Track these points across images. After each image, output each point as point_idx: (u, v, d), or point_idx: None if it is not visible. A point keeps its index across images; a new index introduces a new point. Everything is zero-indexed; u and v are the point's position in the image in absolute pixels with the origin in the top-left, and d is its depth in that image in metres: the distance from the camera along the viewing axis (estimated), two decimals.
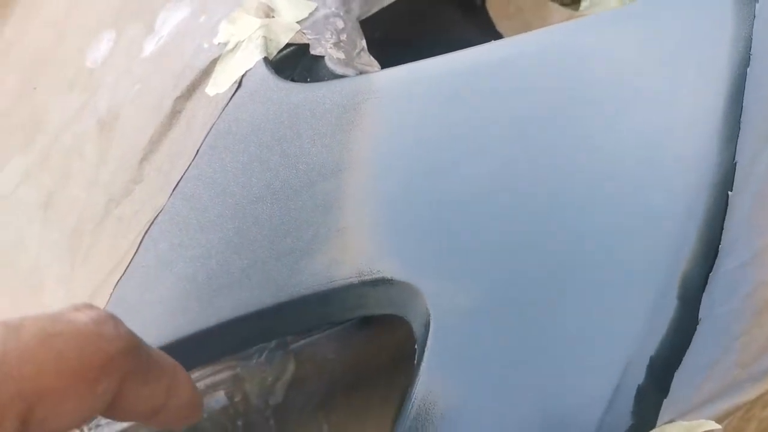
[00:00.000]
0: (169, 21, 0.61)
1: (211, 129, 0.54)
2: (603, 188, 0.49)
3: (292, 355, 0.63)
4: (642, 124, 0.50)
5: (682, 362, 0.45)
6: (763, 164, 0.47)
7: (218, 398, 0.66)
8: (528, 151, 0.51)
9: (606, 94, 0.51)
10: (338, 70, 0.57)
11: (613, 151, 0.50)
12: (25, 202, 0.62)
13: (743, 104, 0.48)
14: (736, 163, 0.47)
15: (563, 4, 0.82)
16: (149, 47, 0.61)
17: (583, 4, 0.81)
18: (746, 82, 0.48)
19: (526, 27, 0.79)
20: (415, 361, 0.53)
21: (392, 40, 0.77)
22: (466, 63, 0.53)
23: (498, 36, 0.81)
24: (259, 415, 0.67)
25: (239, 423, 0.67)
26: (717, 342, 0.47)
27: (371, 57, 0.60)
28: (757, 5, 0.49)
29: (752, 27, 0.49)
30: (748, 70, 0.48)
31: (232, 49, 0.56)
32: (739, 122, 0.48)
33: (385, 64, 0.66)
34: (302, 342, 0.64)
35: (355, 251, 0.52)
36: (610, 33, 0.53)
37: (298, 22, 0.58)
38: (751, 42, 0.48)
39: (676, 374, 0.45)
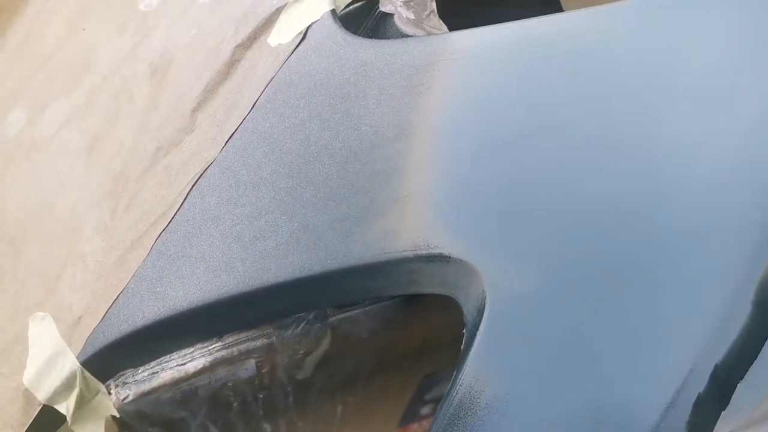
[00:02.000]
0: None
1: (270, 81, 0.51)
2: (684, 180, 0.46)
3: (329, 330, 0.60)
4: (731, 114, 0.46)
5: (747, 373, 0.42)
6: None
7: (248, 366, 0.63)
8: (610, 132, 0.47)
9: (695, 80, 0.47)
10: (407, 29, 0.54)
11: (698, 142, 0.46)
12: (67, 146, 0.59)
13: None
14: None
15: None
16: None
17: None
18: None
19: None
20: (462, 347, 0.50)
21: (460, 14, 0.74)
22: (551, 30, 0.49)
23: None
24: (281, 390, 0.65)
25: (260, 396, 0.64)
26: None
27: (440, 20, 0.57)
28: None
29: None
30: None
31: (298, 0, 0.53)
32: None
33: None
34: (341, 316, 0.61)
35: (413, 223, 0.49)
36: (705, 11, 0.49)
37: None
38: None
39: (739, 385, 0.42)
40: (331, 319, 0.61)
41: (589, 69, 0.48)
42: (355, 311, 0.62)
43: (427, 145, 0.49)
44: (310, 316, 0.60)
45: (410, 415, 0.73)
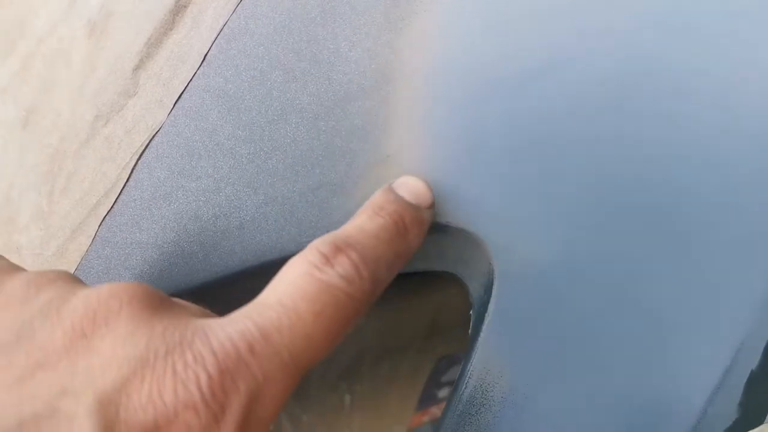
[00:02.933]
0: None
1: (223, 27, 0.43)
2: (723, 147, 0.38)
3: None
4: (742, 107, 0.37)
5: None
6: None
7: None
8: (640, 71, 0.39)
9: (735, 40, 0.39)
10: None
11: (741, 146, 0.38)
12: (1, 121, 0.51)
13: None
14: None
15: None
16: None
17: None
18: None
19: None
20: (470, 332, 0.43)
21: None
22: None
23: None
24: None
25: None
26: None
27: None
28: None
29: None
30: None
31: None
32: None
33: None
34: None
35: None
36: None
37: None
38: None
39: None
40: None
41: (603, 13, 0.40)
42: None
43: (412, 93, 0.40)
44: None
45: (427, 398, 0.67)
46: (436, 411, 0.68)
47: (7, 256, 0.42)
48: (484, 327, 0.40)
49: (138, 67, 0.44)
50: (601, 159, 0.38)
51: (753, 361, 0.37)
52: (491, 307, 0.40)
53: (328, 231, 0.41)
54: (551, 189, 0.39)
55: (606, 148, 0.38)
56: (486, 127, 0.40)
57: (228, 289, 0.43)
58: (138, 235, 0.43)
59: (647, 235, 0.38)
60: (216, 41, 0.43)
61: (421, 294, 0.63)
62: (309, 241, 0.39)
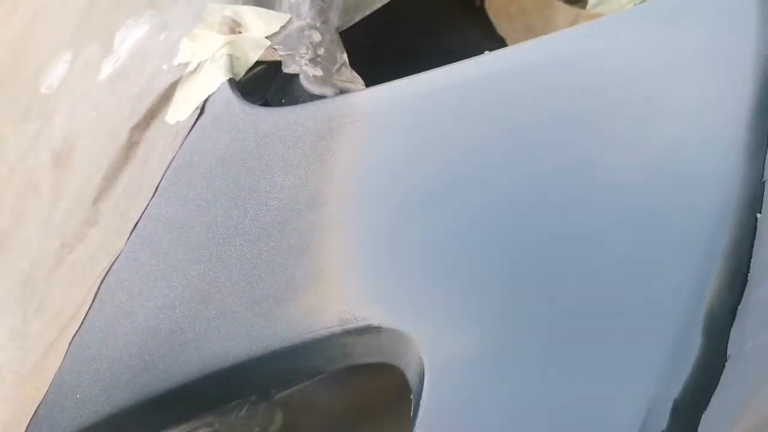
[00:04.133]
0: (128, 40, 0.54)
1: (171, 162, 0.48)
2: (616, 213, 0.43)
3: (278, 407, 0.57)
4: (657, 138, 0.43)
5: (710, 403, 0.39)
6: None
7: None
8: (533, 176, 0.44)
9: (617, 107, 0.44)
10: (315, 89, 0.51)
11: (625, 171, 0.43)
12: None
13: None
14: (765, 181, 0.41)
15: (569, 2, 0.76)
16: (107, 69, 0.55)
17: (591, 2, 0.75)
18: None
19: (529, 29, 0.73)
20: (411, 414, 0.47)
21: (387, 46, 0.71)
22: (457, 79, 0.46)
23: (499, 39, 0.75)
24: None
25: None
26: (750, 378, 0.41)
27: (353, 72, 0.54)
28: None
29: None
30: None
31: (194, 71, 0.50)
32: (766, 134, 0.41)
33: (378, 72, 0.60)
34: (289, 391, 0.58)
35: (337, 296, 0.46)
36: (620, 38, 0.46)
37: (268, 37, 0.51)
38: None
39: (703, 416, 0.39)
40: (278, 396, 0.58)
41: (511, 110, 0.45)
42: (305, 383, 0.59)
43: (341, 214, 0.46)
44: (253, 398, 0.56)
45: None
46: None
47: None
48: (419, 414, 0.44)
49: (97, 199, 0.50)
50: (503, 259, 0.44)
51: (662, 423, 0.41)
52: (423, 396, 0.45)
53: (274, 339, 0.46)
54: (467, 288, 0.44)
55: (507, 249, 0.43)
56: (404, 242, 0.45)
57: (189, 395, 0.48)
58: (104, 351, 0.48)
59: (552, 324, 0.43)
60: (165, 174, 0.48)
61: (378, 372, 0.67)
62: (259, 349, 0.44)
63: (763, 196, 0.41)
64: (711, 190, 0.42)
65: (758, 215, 0.41)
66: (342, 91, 0.52)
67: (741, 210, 0.41)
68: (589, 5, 0.74)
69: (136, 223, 0.48)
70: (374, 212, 0.45)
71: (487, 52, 0.50)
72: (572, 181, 0.44)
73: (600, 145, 0.44)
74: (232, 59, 0.50)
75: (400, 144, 0.45)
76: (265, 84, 0.53)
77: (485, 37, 0.74)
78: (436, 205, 0.45)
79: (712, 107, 0.43)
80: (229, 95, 0.48)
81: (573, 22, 0.71)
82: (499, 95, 0.45)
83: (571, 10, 0.71)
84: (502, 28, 0.73)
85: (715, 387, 0.39)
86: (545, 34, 0.71)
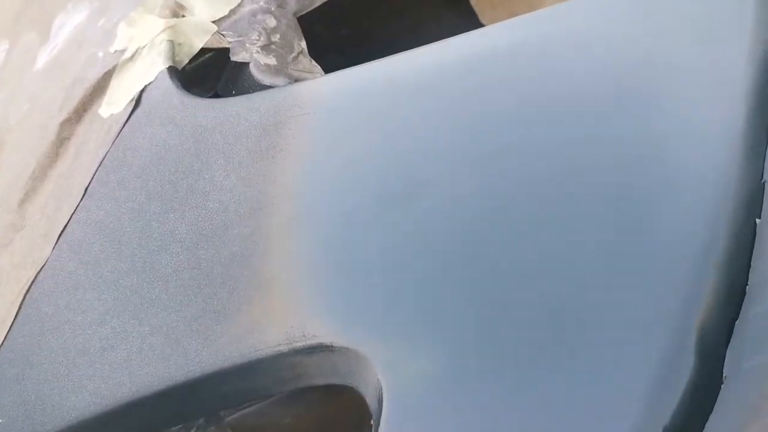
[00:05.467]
0: (67, 26, 0.50)
1: (103, 160, 0.43)
2: (595, 220, 0.38)
3: (229, 430, 0.52)
4: (643, 132, 0.39)
5: (705, 430, 0.35)
6: None
7: None
8: (502, 178, 0.39)
9: (597, 96, 0.40)
10: (266, 79, 0.46)
11: (607, 170, 0.39)
12: None
13: None
14: (765, 182, 0.36)
15: None
16: (42, 57, 0.50)
17: None
18: None
19: (514, 16, 0.68)
20: None
21: (365, 37, 0.66)
22: (420, 66, 0.41)
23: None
24: None
25: None
26: (748, 402, 0.36)
27: (312, 62, 0.49)
28: None
29: None
30: None
31: (131, 58, 0.45)
32: (766, 131, 0.37)
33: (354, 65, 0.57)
34: (239, 414, 0.53)
35: (283, 311, 0.41)
36: (605, 18, 0.41)
37: (215, 22, 0.47)
38: None
39: None
40: (229, 419, 0.53)
41: (478, 98, 0.41)
42: (257, 404, 0.54)
43: (287, 218, 0.41)
44: (200, 421, 0.51)
45: None
46: None
47: None
48: None
49: (24, 200, 0.45)
50: (468, 270, 0.39)
51: None
52: (382, 420, 0.40)
53: (215, 359, 0.42)
54: (431, 304, 0.40)
55: (472, 259, 0.39)
56: (357, 251, 0.40)
57: (122, 420, 0.43)
58: (29, 371, 0.43)
59: (522, 341, 0.38)
60: (96, 173, 0.43)
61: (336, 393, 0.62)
62: (197, 370, 0.39)
63: (762, 199, 0.36)
64: (703, 192, 0.37)
65: (757, 221, 0.36)
66: (297, 81, 0.47)
67: (738, 215, 0.37)
68: None
69: (65, 227, 0.43)
70: (324, 216, 0.41)
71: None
72: (544, 183, 0.39)
73: (579, 140, 0.39)
74: (173, 45, 0.45)
75: (354, 138, 0.40)
76: (214, 73, 0.48)
77: (468, 28, 0.69)
78: (394, 209, 0.40)
79: (705, 98, 0.38)
80: (168, 85, 0.44)
81: None
82: (464, 83, 0.40)
83: None
84: (485, 17, 0.68)
85: (710, 413, 0.35)
86: None
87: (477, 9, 0.69)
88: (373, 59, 0.58)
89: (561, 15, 0.41)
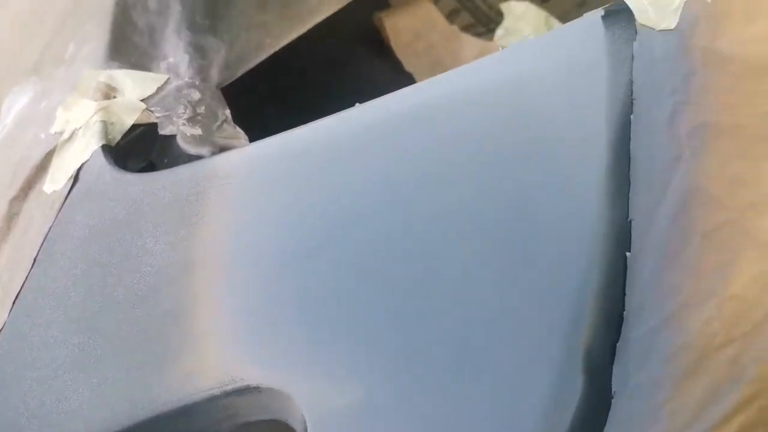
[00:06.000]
0: (14, 107, 0.55)
1: (47, 233, 0.49)
2: (482, 259, 0.44)
3: None
4: (519, 184, 0.44)
5: None
6: (662, 218, 0.42)
7: None
8: (397, 225, 0.45)
9: (481, 149, 0.45)
10: (191, 149, 0.51)
11: (490, 220, 0.44)
12: None
13: (631, 155, 0.42)
14: (631, 221, 0.41)
15: (477, 35, 0.77)
16: None
17: (498, 32, 0.76)
18: (632, 130, 0.42)
19: (438, 63, 0.74)
20: None
21: (301, 85, 0.72)
22: (331, 133, 0.47)
23: (408, 74, 0.76)
24: None
25: None
26: (639, 415, 0.41)
27: (236, 128, 0.54)
28: (635, 45, 0.42)
29: (631, 70, 0.42)
30: (632, 117, 0.42)
31: (69, 139, 0.51)
32: (627, 176, 0.42)
33: (292, 112, 0.62)
34: None
35: (213, 359, 0.46)
36: (485, 81, 0.47)
37: (144, 100, 0.52)
38: (631, 86, 0.42)
39: None
40: None
41: (376, 158, 0.46)
42: None
43: (212, 277, 0.46)
44: None
45: None
46: None
47: None
48: None
49: None
50: (373, 312, 0.44)
51: None
52: None
53: (156, 404, 0.47)
54: (345, 344, 0.45)
55: (375, 301, 0.44)
56: (275, 302, 0.45)
57: None
58: None
59: (433, 370, 0.43)
60: (43, 245, 0.49)
61: None
62: (141, 414, 0.44)
63: (630, 236, 0.41)
64: (578, 233, 0.42)
65: (627, 254, 0.41)
66: (222, 149, 0.53)
67: (609, 251, 0.42)
68: (496, 36, 0.76)
69: (17, 294, 0.48)
70: (244, 273, 0.46)
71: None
72: (437, 229, 0.44)
73: (462, 190, 0.44)
74: (106, 125, 0.50)
75: (269, 203, 0.46)
76: (147, 145, 0.53)
77: (395, 74, 0.75)
78: (306, 263, 0.45)
79: (572, 148, 0.43)
80: (102, 163, 0.49)
81: (479, 55, 0.72)
82: (363, 147, 0.45)
83: (476, 43, 0.72)
84: (410, 64, 0.74)
85: (604, 425, 0.40)
86: (453, 67, 0.72)
87: (402, 58, 0.75)
88: (311, 105, 0.64)
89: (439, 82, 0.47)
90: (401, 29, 0.75)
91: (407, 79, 0.74)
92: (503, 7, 0.78)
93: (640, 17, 0.42)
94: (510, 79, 0.45)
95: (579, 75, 0.44)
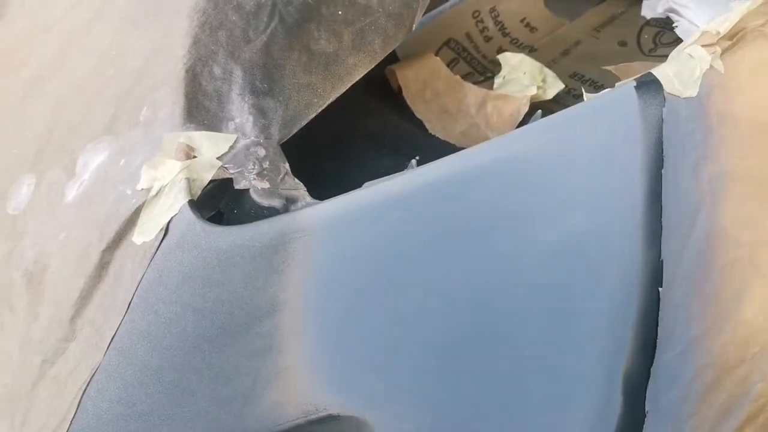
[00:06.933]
0: (90, 164, 0.60)
1: (141, 279, 0.54)
2: (538, 301, 0.51)
3: None
4: (566, 232, 0.51)
5: None
6: (689, 254, 0.49)
7: None
8: (462, 273, 0.51)
9: (529, 208, 0.52)
10: (263, 201, 0.57)
11: (541, 266, 0.51)
12: None
13: (662, 203, 0.49)
14: (662, 261, 0.49)
15: (476, 83, 0.84)
16: (71, 192, 0.60)
17: (497, 81, 0.83)
18: (663, 183, 0.50)
19: (443, 110, 0.81)
20: None
21: (315, 131, 0.77)
22: (390, 194, 0.53)
23: (417, 121, 0.82)
24: None
25: None
26: (667, 428, 0.48)
27: (295, 180, 0.60)
28: (664, 110, 0.50)
29: (661, 130, 0.50)
30: (662, 171, 0.49)
31: (156, 195, 0.56)
32: (660, 221, 0.49)
33: (307, 157, 0.67)
34: None
35: (299, 391, 0.52)
36: (531, 147, 0.53)
37: (219, 158, 0.58)
38: (662, 145, 0.50)
39: None
40: None
41: (437, 217, 0.52)
42: None
43: (297, 317, 0.52)
44: None
45: None
46: None
47: None
48: None
49: (75, 316, 0.55)
50: (446, 347, 0.51)
51: None
52: None
53: None
54: (413, 376, 0.51)
55: (446, 338, 0.50)
56: (356, 337, 0.51)
57: None
58: None
59: (490, 400, 0.50)
60: (137, 291, 0.53)
61: None
62: None
63: (662, 273, 0.49)
64: (617, 273, 0.50)
65: (660, 289, 0.49)
66: (288, 199, 0.58)
67: (645, 287, 0.49)
68: (495, 85, 0.83)
69: (113, 337, 0.53)
70: (325, 314, 0.52)
71: (414, 165, 0.57)
72: (493, 279, 0.51)
73: (517, 243, 0.51)
74: (189, 182, 0.56)
75: (345, 252, 0.52)
76: (217, 196, 0.59)
77: (403, 119, 0.82)
78: (379, 304, 0.52)
79: (612, 201, 0.51)
80: (191, 216, 0.54)
81: (482, 102, 0.79)
82: (427, 206, 0.52)
83: (479, 91, 0.79)
84: (418, 110, 0.81)
85: None
86: (458, 113, 0.79)
87: (412, 105, 0.81)
88: (325, 151, 0.71)
89: (497, 147, 0.54)
90: (411, 80, 0.82)
91: (414, 126, 0.81)
92: (500, 58, 0.85)
93: (667, 86, 0.50)
94: (556, 145, 0.52)
95: (617, 138, 0.51)
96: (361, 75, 0.68)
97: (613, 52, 0.89)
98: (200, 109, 0.60)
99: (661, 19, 0.91)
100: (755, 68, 0.50)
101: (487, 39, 0.90)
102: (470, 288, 0.51)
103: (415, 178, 0.53)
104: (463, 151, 0.54)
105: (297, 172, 0.72)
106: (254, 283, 0.52)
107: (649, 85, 0.50)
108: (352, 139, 0.80)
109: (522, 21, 0.93)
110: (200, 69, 0.62)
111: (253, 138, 0.60)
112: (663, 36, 0.90)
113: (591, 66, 0.87)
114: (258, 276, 0.52)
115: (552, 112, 0.82)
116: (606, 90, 0.53)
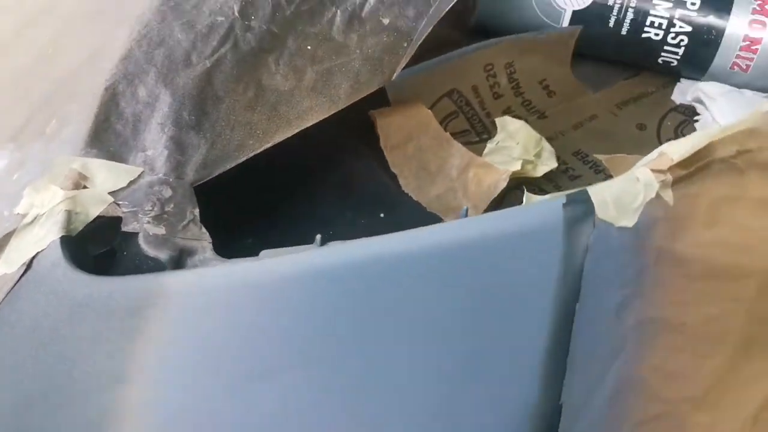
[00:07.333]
0: None
1: None
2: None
3: None
4: (465, 357, 0.43)
5: None
6: (596, 404, 0.41)
7: None
8: (333, 378, 0.44)
9: (408, 326, 0.44)
10: (150, 251, 0.51)
11: (429, 391, 0.43)
12: None
13: (573, 342, 0.41)
14: (561, 403, 0.41)
15: (470, 143, 0.76)
16: None
17: (488, 146, 0.75)
18: (576, 319, 0.42)
19: (423, 167, 0.73)
20: None
21: (283, 169, 0.71)
22: (270, 274, 0.46)
23: (393, 175, 0.74)
24: None
25: None
26: None
27: (202, 229, 0.54)
28: (591, 237, 0.42)
29: (583, 260, 0.42)
30: (577, 306, 0.41)
31: (31, 223, 0.50)
32: (564, 360, 0.41)
33: (277, 199, 0.60)
34: None
35: None
36: (430, 252, 0.46)
37: (113, 192, 0.52)
38: (581, 275, 0.42)
39: None
40: None
41: (316, 307, 0.45)
42: None
43: (141, 393, 0.45)
44: None
45: None
46: None
47: None
48: None
49: None
50: None
51: None
52: None
53: None
54: None
55: None
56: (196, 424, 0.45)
57: None
58: None
59: None
60: None
61: None
62: None
63: (561, 415, 0.41)
64: (509, 407, 0.42)
65: None
66: (183, 250, 0.52)
67: (539, 429, 0.41)
68: (486, 151, 0.75)
69: None
70: (170, 393, 0.45)
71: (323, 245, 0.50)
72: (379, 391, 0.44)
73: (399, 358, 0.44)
74: (70, 215, 0.50)
75: (202, 329, 0.45)
76: (111, 233, 0.53)
77: (381, 167, 0.74)
78: (230, 395, 0.45)
79: (511, 329, 0.43)
80: (57, 256, 0.48)
81: (466, 166, 0.71)
82: (301, 295, 0.45)
83: (466, 154, 0.71)
84: (395, 164, 0.72)
85: None
86: (438, 173, 0.71)
87: (390, 158, 0.73)
88: (296, 193, 0.64)
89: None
90: (394, 129, 0.73)
91: (389, 179, 0.73)
92: (498, 120, 0.77)
93: (599, 212, 0.42)
94: (460, 255, 0.44)
95: (532, 261, 0.43)
96: (315, 122, 0.61)
97: (627, 135, 0.79)
98: (110, 133, 0.54)
99: (690, 107, 0.81)
100: (716, 205, 0.42)
101: (497, 96, 0.82)
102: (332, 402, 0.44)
103: (299, 262, 0.46)
104: (358, 240, 0.46)
105: (244, 206, 0.66)
106: (103, 345, 0.46)
107: (580, 205, 0.42)
108: (321, 180, 0.73)
109: (541, 82, 0.84)
110: (123, 88, 0.56)
111: (161, 175, 0.54)
112: (686, 127, 0.80)
113: (600, 145, 0.77)
114: (109, 338, 0.46)
115: (541, 190, 0.74)
116: (537, 199, 0.45)
